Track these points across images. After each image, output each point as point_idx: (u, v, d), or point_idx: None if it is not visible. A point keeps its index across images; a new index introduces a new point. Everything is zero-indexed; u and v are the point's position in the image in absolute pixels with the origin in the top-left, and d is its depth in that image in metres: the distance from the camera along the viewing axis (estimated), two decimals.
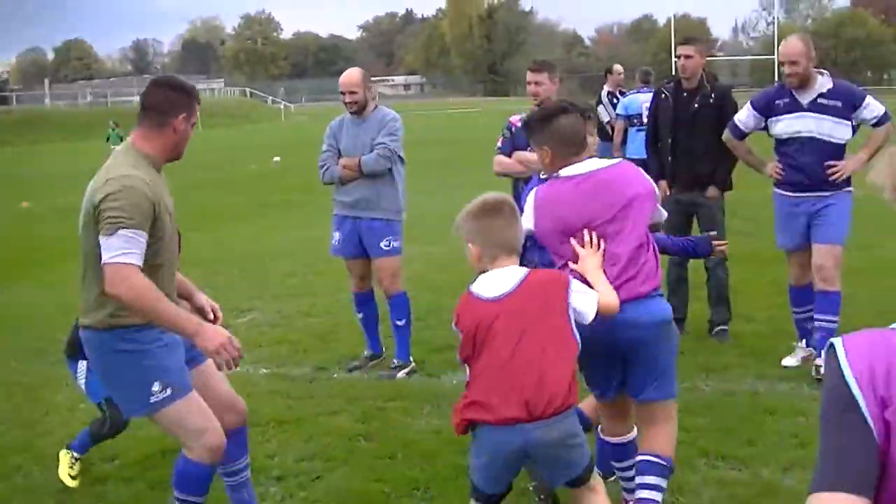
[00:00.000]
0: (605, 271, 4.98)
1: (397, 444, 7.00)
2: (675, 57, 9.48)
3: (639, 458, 5.33)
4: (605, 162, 5.27)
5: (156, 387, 4.90)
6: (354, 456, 6.85)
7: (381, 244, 8.71)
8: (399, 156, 8.69)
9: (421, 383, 8.42)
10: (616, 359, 5.16)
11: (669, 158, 9.50)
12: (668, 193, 9.35)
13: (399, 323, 8.95)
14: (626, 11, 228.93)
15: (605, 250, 5.04)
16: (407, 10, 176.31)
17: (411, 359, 8.93)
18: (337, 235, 8.91)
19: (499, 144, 8.65)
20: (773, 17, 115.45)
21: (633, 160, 14.65)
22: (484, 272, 4.70)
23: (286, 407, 7.94)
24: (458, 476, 6.35)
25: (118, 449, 7.10)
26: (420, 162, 25.36)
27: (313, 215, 18.75)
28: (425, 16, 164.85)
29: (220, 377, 5.42)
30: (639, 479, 5.27)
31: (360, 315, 9.22)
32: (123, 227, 4.67)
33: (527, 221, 5.14)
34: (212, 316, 5.36)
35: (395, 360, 8.89)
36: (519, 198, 8.69)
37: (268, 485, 6.43)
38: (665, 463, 5.26)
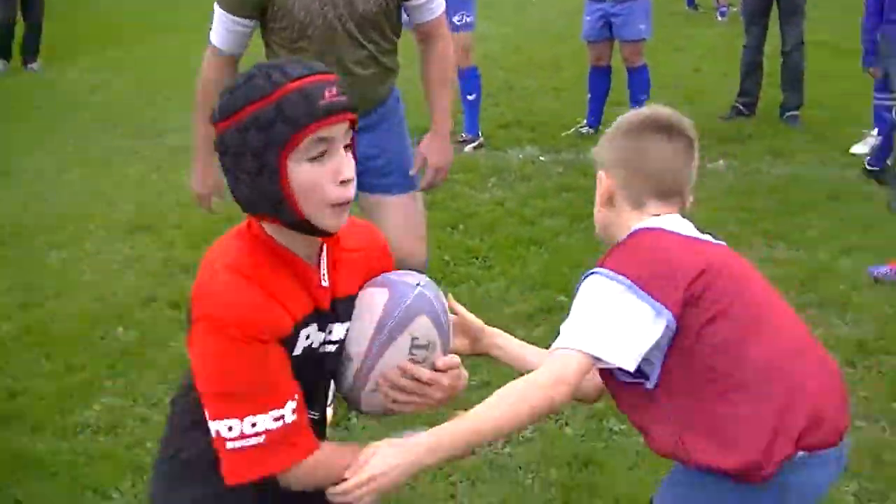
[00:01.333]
0: None
1: (460, 215, 7.12)
2: None
3: None
4: None
5: None
6: None
7: (454, 18, 8.63)
8: None
9: (487, 157, 8.47)
10: None
11: None
12: None
13: (469, 97, 8.95)
14: None
15: None
16: None
17: (479, 133, 8.96)
18: None
19: None
20: None
21: None
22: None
23: None
24: (516, 245, 6.49)
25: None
26: None
27: None
28: None
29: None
30: None
31: None
32: None
33: None
34: None
35: (463, 134, 8.92)
36: None
37: None
38: None
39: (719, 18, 14.96)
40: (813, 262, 6.25)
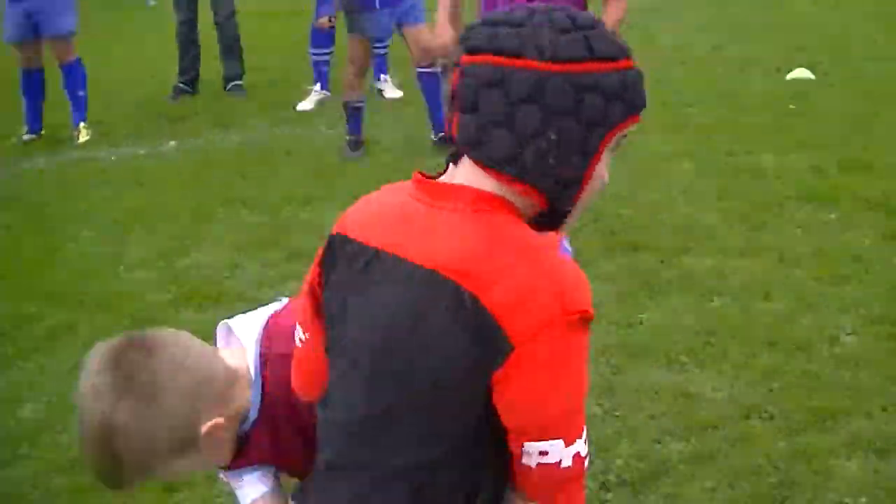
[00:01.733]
0: None
1: None
2: None
3: None
4: None
5: None
6: None
7: None
8: None
9: None
10: None
11: None
12: None
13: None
14: None
15: None
16: None
17: None
18: None
19: None
20: None
21: None
22: None
23: None
24: None
25: None
26: None
27: None
28: None
29: None
30: None
31: None
32: None
33: None
34: None
35: None
36: None
37: None
38: None
39: (151, 2, 14.69)
40: (276, 220, 6.42)
